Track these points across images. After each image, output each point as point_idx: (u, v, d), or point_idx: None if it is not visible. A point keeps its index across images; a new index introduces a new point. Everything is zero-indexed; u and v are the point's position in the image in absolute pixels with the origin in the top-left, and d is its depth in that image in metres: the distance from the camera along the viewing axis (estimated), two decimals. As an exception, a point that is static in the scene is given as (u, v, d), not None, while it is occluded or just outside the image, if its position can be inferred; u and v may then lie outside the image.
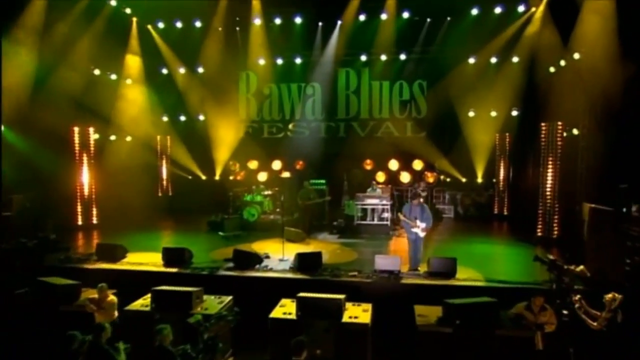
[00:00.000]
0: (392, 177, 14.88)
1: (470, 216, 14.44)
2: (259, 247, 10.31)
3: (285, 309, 6.90)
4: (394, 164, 15.13)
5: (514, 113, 14.10)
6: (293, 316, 6.62)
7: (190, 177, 16.46)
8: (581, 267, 6.66)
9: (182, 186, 16.16)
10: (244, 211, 12.54)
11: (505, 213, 14.45)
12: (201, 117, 16.03)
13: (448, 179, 14.95)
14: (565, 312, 6.08)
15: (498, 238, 11.66)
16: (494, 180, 14.76)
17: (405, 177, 15.02)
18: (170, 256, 9.00)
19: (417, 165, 15.05)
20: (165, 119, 16.03)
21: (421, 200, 8.57)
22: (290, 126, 16.11)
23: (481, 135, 14.16)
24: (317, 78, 15.53)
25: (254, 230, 11.99)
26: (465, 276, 8.04)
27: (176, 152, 16.08)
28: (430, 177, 14.85)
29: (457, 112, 14.19)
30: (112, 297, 7.08)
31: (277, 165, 15.75)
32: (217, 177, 16.27)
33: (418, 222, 8.27)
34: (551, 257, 6.70)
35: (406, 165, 14.98)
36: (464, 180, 15.18)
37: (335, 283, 7.83)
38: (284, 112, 16.16)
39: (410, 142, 14.93)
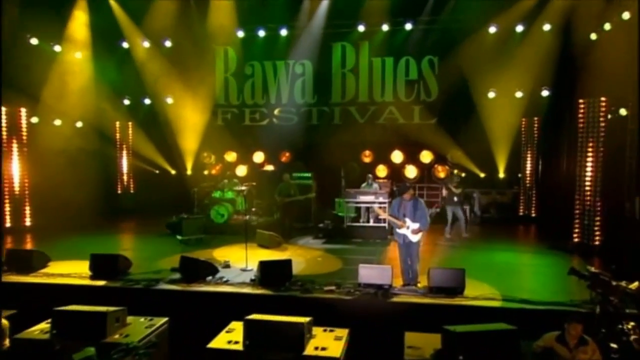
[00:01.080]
0: (395, 172, 14.35)
1: (489, 218, 13.52)
2: (222, 254, 9.42)
3: (232, 335, 5.78)
4: (397, 156, 14.61)
5: (545, 93, 12.98)
6: (240, 346, 5.46)
7: (157, 172, 15.50)
8: (636, 283, 5.29)
9: (147, 182, 15.35)
10: (212, 211, 11.91)
11: (533, 215, 13.65)
12: (169, 101, 15.05)
13: (463, 174, 13.76)
14: (614, 345, 4.85)
15: (523, 245, 10.76)
16: (520, 175, 13.96)
17: (411, 172, 14.34)
18: (100, 265, 7.86)
19: (426, 157, 14.44)
20: (126, 101, 15.09)
21: (413, 192, 7.36)
22: (275, 112, 15.44)
23: (503, 121, 13.26)
24: (308, 54, 14.80)
25: (222, 233, 11.15)
26: (477, 293, 6.89)
27: (139, 141, 15.29)
28: (441, 172, 14.13)
29: (474, 93, 13.32)
30: (1, 322, 5.81)
31: (259, 157, 15.35)
32: (189, 172, 15.50)
33: (408, 222, 7.18)
34: (592, 269, 5.41)
35: (412, 158, 14.44)
36: (482, 175, 14.22)
37: (305, 301, 6.83)
38: (268, 95, 15.46)
39: (418, 130, 14.20)
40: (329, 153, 13.80)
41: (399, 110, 14.71)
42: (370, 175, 11.89)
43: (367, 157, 14.62)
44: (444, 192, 11.27)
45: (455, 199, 10.92)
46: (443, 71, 14.10)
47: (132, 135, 15.53)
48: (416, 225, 7.21)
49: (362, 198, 11.07)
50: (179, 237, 10.46)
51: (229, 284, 7.52)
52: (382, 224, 10.92)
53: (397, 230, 7.30)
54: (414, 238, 7.25)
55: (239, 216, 12.41)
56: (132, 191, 15.65)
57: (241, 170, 14.93)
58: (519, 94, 13.19)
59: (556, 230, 10.81)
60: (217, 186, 12.58)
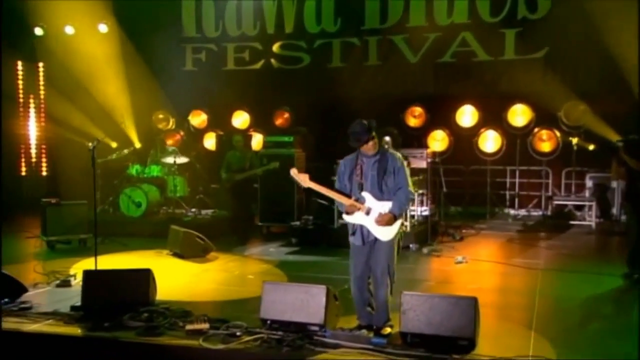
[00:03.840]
0: (462, 141, 13.32)
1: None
2: (90, 265, 8.08)
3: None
4: (468, 115, 13.34)
5: None
6: None
7: (89, 145, 14.27)
8: None
9: (70, 160, 14.20)
10: (121, 197, 11.39)
11: None
12: (103, 29, 14.19)
13: (590, 147, 12.32)
14: None
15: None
16: None
17: (489, 141, 13.27)
18: None
19: (519, 116, 12.97)
20: (37, 31, 14.27)
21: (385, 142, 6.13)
22: (274, 48, 14.83)
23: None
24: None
25: (132, 235, 10.54)
26: (504, 354, 4.88)
27: (57, 96, 14.45)
28: (547, 142, 12.71)
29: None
30: None
31: (241, 119, 14.72)
32: (137, 144, 14.59)
33: (369, 201, 5.36)
34: None
35: (494, 118, 13.24)
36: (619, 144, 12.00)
37: (140, 350, 5.36)
38: (263, 22, 14.82)
39: (511, 72, 13.14)
40: (356, 112, 12.49)
41: (479, 37, 13.47)
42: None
43: (416, 116, 13.57)
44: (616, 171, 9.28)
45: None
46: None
47: (45, 86, 14.82)
48: (385, 207, 5.30)
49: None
50: (42, 238, 9.87)
51: (24, 314, 6.15)
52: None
53: (347, 218, 5.47)
54: (384, 234, 5.36)
55: (169, 208, 11.83)
56: (43, 173, 14.97)
57: (210, 141, 14.25)
58: None
59: None
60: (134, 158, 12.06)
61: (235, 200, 10.32)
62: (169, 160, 11.58)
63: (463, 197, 12.85)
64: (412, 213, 10.05)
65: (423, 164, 10.30)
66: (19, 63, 14.51)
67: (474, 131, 13.11)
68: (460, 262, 8.45)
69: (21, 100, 14.66)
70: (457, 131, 13.25)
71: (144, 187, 11.25)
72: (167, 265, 8.56)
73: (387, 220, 5.19)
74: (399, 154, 5.52)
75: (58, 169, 14.91)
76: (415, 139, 12.86)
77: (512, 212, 12.72)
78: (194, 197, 12.20)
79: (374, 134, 5.30)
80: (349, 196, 5.35)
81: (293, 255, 9.60)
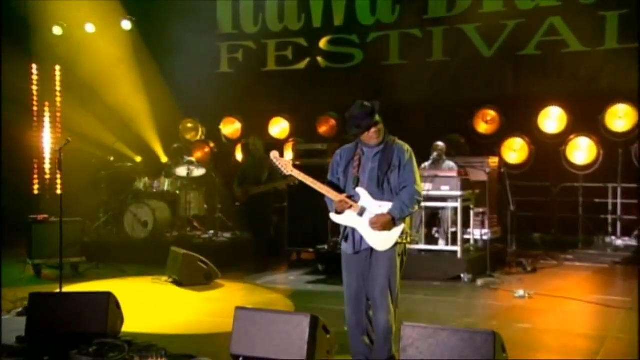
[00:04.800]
0: (544, 150, 13.00)
1: None
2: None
3: None
4: (553, 119, 13.02)
5: None
6: None
7: (111, 159, 14.90)
8: None
9: (89, 177, 14.68)
10: (126, 215, 11.72)
11: None
12: (126, 26, 14.57)
13: None
14: None
15: None
16: None
17: (581, 151, 12.62)
18: None
19: (621, 118, 12.52)
20: (56, 30, 14.67)
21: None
22: (321, 44, 15.03)
23: None
24: None
25: (133, 261, 10.60)
26: None
27: (74, 105, 14.88)
28: None
29: None
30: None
31: (279, 128, 14.89)
32: (163, 159, 15.04)
33: (364, 199, 5.30)
34: None
35: (588, 121, 12.82)
36: None
37: None
38: (309, 15, 15.09)
39: (613, 64, 12.91)
40: (417, 117, 13.41)
41: (572, 23, 13.22)
42: (440, 144, 10.44)
43: (487, 121, 13.38)
44: None
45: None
46: None
47: (62, 94, 15.15)
48: (383, 208, 5.12)
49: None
50: (28, 262, 10.03)
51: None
52: (454, 249, 9.68)
53: (337, 218, 5.28)
54: (379, 242, 5.15)
55: (186, 228, 12.08)
56: (58, 191, 15.02)
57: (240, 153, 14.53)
58: None
59: None
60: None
61: (251, 219, 10.41)
62: (182, 172, 11.63)
63: (549, 221, 12.37)
64: (467, 236, 9.89)
65: (482, 176, 10.00)
66: (34, 66, 14.82)
67: (562, 139, 12.69)
68: (521, 297, 8.26)
69: (35, 108, 14.99)
70: (539, 139, 12.90)
71: (151, 204, 11.35)
72: (160, 294, 8.69)
73: (383, 222, 4.94)
74: (407, 145, 5.28)
75: (74, 185, 14.82)
76: (486, 148, 12.55)
77: (615, 240, 12.02)
78: (212, 217, 12.24)
79: (377, 118, 5.10)
80: (341, 192, 5.15)
81: (314, 284, 9.65)
